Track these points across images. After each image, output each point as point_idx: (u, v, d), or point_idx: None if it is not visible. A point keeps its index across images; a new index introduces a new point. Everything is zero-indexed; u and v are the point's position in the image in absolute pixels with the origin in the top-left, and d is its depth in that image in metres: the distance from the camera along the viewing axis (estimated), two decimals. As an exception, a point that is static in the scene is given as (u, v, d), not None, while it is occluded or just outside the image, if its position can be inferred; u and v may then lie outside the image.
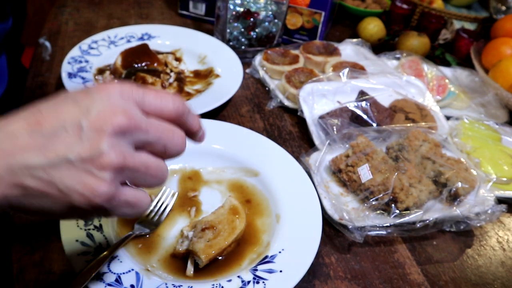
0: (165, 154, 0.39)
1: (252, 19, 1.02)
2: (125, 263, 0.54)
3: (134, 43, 0.97)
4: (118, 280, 0.51)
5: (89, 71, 0.87)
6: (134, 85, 0.38)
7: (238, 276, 0.55)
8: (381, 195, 0.66)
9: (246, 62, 1.02)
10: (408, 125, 0.82)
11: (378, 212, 0.67)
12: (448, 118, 0.90)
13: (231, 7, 1.01)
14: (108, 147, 0.34)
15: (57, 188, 0.34)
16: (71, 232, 0.55)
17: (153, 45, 0.99)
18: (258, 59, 1.01)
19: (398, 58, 1.07)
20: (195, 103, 0.83)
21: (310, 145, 0.82)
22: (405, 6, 1.22)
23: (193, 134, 0.43)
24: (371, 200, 0.67)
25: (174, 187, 0.68)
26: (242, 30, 1.04)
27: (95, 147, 0.34)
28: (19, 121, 0.34)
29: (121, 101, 0.36)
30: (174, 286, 0.52)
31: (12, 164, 0.33)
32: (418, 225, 0.66)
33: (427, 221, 0.66)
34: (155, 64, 0.90)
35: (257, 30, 1.04)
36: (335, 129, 0.79)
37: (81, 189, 0.34)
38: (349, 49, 1.10)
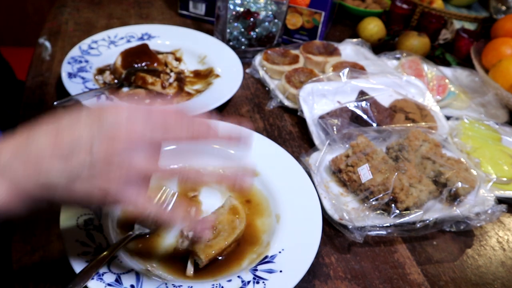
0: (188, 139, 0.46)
1: (252, 19, 1.02)
2: (125, 263, 0.54)
3: (134, 43, 0.97)
4: (118, 280, 0.51)
5: (89, 71, 0.87)
6: (140, 104, 0.46)
7: (238, 276, 0.55)
8: (381, 195, 0.66)
9: (246, 62, 1.02)
10: (408, 125, 0.82)
11: (378, 212, 0.67)
12: (448, 118, 0.90)
13: (231, 7, 1.01)
14: (113, 161, 0.42)
15: (79, 195, 0.42)
16: (71, 232, 0.55)
17: (153, 45, 0.99)
18: (258, 59, 1.01)
19: (398, 58, 1.07)
20: (195, 103, 0.83)
21: (310, 145, 0.82)
22: (405, 6, 1.22)
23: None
24: (371, 200, 0.67)
25: (174, 187, 0.68)
26: (242, 30, 1.04)
27: (103, 160, 0.42)
28: (42, 137, 0.42)
29: (127, 121, 0.43)
30: (174, 286, 0.52)
31: (41, 182, 0.41)
32: (418, 225, 0.66)
33: (427, 221, 0.66)
34: (155, 64, 0.90)
35: (257, 30, 1.04)
36: (335, 129, 0.79)
37: (97, 191, 0.42)
38: (349, 49, 1.10)
